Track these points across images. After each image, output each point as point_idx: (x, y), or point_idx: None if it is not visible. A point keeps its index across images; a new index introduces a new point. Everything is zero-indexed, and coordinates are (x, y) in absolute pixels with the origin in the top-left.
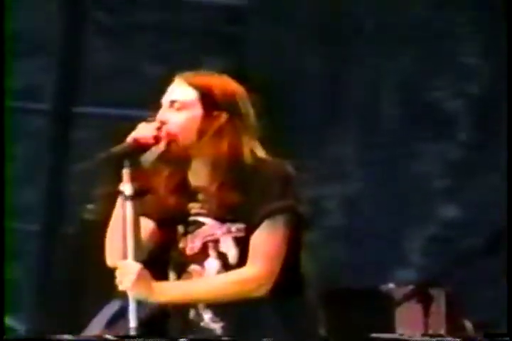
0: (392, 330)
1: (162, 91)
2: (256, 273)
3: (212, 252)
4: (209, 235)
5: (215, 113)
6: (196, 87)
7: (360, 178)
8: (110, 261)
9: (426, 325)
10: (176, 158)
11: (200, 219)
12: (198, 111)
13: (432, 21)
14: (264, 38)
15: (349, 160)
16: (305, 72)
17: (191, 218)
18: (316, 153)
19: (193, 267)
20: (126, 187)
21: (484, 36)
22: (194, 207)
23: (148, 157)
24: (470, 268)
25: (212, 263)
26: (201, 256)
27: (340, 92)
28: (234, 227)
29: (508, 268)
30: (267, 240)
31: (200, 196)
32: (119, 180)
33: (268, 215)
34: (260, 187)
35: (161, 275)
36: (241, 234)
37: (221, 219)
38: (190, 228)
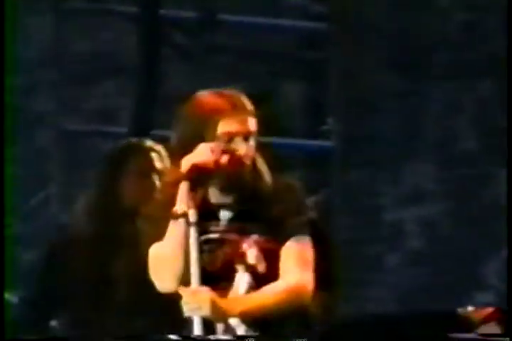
0: None
1: None
2: (306, 281)
3: (239, 266)
4: (234, 250)
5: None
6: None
7: (438, 201)
8: (166, 286)
9: None
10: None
11: (220, 236)
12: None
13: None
14: (343, 63)
15: (427, 183)
16: (385, 94)
17: (208, 236)
18: (394, 178)
19: (222, 283)
20: (191, 213)
21: None
22: (212, 225)
23: None
24: None
25: (242, 276)
26: (226, 271)
27: (417, 114)
28: (261, 239)
29: (508, 267)
30: (303, 251)
31: (223, 213)
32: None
33: (298, 228)
34: (280, 202)
35: None
36: (269, 246)
37: (246, 232)
38: (208, 247)
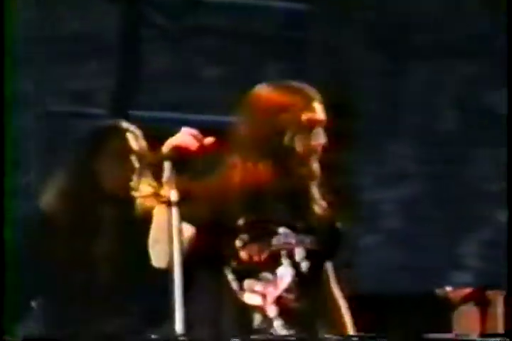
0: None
1: (220, 95)
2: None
3: (285, 260)
4: (284, 243)
5: None
6: None
7: (417, 182)
8: (157, 263)
9: (483, 328)
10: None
11: (274, 227)
12: None
13: (487, 24)
14: (324, 42)
15: (406, 164)
16: (364, 73)
17: (262, 225)
18: (374, 157)
19: (264, 274)
20: (172, 194)
21: None
22: (272, 215)
23: None
24: None
25: (286, 271)
26: (270, 263)
27: (397, 94)
28: (307, 239)
29: (508, 267)
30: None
31: (280, 204)
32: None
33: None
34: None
35: (217, 276)
36: (313, 247)
37: (295, 228)
38: (258, 235)
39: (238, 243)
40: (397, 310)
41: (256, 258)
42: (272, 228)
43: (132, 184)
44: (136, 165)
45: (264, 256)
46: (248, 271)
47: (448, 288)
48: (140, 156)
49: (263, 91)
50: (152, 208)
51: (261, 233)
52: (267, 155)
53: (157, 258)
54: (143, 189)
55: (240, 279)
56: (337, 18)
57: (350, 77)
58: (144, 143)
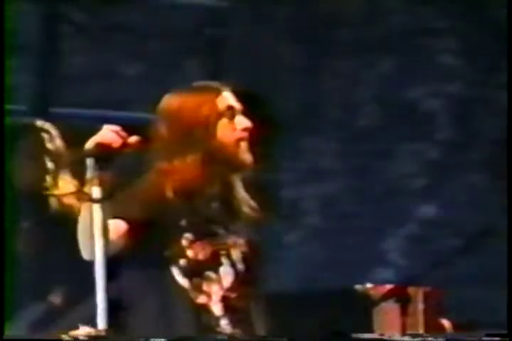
0: (369, 330)
1: (140, 92)
2: None
3: (225, 260)
4: (223, 244)
5: None
6: None
7: (338, 178)
8: (85, 256)
9: (404, 325)
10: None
11: (212, 227)
12: None
13: (408, 20)
14: (243, 40)
15: (327, 160)
16: (284, 70)
17: (202, 225)
18: (294, 155)
19: (208, 273)
20: (95, 191)
21: (462, 34)
22: (208, 215)
23: None
24: (448, 268)
25: (228, 270)
26: (213, 263)
27: (318, 91)
28: (240, 240)
29: (508, 268)
30: None
31: (214, 204)
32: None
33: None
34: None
35: (165, 274)
36: (245, 249)
37: (229, 229)
38: (201, 235)
39: (184, 242)
40: (318, 307)
41: (200, 257)
42: (212, 228)
43: (47, 184)
44: (50, 166)
45: (207, 256)
46: (195, 270)
47: (368, 285)
48: (55, 156)
49: (175, 95)
50: (71, 206)
51: (203, 233)
52: (194, 151)
53: (83, 252)
54: (62, 187)
55: (188, 277)
56: (257, 14)
57: (270, 73)
58: (60, 143)
